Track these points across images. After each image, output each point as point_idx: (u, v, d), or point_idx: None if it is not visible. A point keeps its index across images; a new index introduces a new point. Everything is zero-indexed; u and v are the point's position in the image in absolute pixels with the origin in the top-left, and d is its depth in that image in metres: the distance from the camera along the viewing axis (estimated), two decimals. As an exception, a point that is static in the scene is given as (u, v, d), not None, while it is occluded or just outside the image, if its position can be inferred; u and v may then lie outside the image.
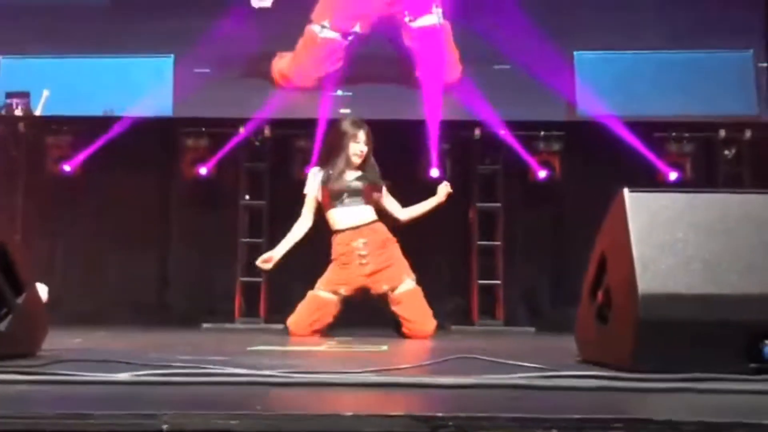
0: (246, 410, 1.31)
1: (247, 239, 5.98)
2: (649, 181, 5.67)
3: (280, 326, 5.55)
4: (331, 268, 4.29)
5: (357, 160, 4.27)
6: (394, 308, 4.17)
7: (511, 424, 1.27)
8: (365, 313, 5.60)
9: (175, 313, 5.92)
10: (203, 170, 5.93)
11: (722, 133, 5.86)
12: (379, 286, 4.20)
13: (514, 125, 5.87)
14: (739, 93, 5.60)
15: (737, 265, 2.18)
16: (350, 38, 5.57)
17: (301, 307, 4.27)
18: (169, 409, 1.30)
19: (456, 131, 5.90)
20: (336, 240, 4.27)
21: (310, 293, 4.29)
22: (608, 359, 2.30)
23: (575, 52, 5.69)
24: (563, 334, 4.22)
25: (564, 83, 5.65)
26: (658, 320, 2.14)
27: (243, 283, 5.91)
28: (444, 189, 4.35)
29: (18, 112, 5.54)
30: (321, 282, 4.27)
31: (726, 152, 5.98)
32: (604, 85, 5.63)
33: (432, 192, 5.83)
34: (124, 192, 6.01)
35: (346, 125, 4.32)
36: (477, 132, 5.89)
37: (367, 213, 4.25)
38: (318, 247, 6.00)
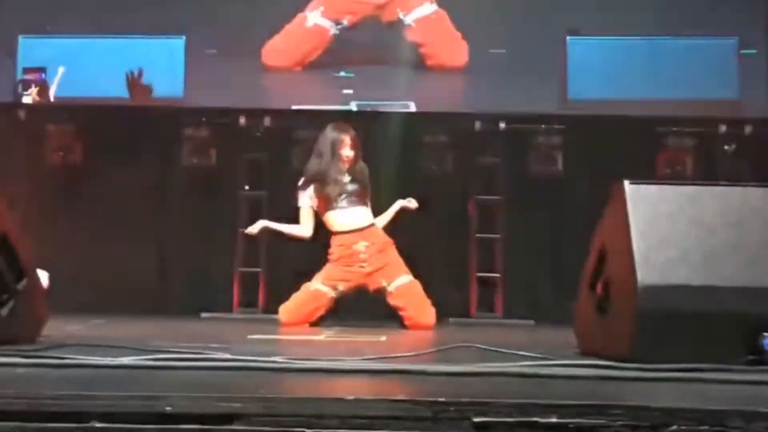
0: (248, 393, 1.32)
1: (246, 229, 5.97)
2: (650, 175, 5.66)
3: (277, 316, 5.58)
4: (330, 266, 4.33)
5: (346, 165, 4.31)
6: (392, 302, 4.20)
7: (510, 410, 1.28)
8: (363, 304, 5.62)
9: (174, 303, 5.91)
10: (201, 160, 5.92)
11: (722, 128, 5.86)
12: (377, 282, 4.25)
13: (514, 118, 5.87)
14: (723, 78, 5.65)
15: (737, 258, 2.20)
16: (337, 29, 5.61)
17: (296, 298, 4.29)
18: (171, 392, 1.31)
19: (455, 123, 5.89)
20: (336, 241, 4.32)
21: (306, 285, 4.30)
22: (607, 351, 2.31)
23: (567, 38, 5.71)
24: (563, 327, 4.23)
25: (556, 68, 5.70)
26: (657, 311, 2.15)
27: (242, 274, 5.91)
28: (405, 203, 4.34)
29: (33, 88, 5.57)
30: (319, 276, 4.30)
31: (726, 147, 5.97)
32: (594, 70, 5.67)
33: (430, 184, 5.86)
34: (123, 181, 5.99)
35: (331, 132, 4.36)
36: (477, 124, 5.88)
37: (366, 216, 4.31)
38: (316, 239, 6.00)
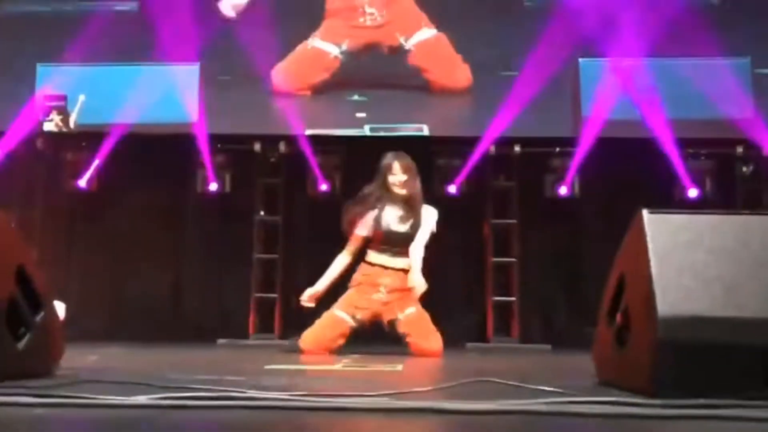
0: (265, 438, 1.31)
1: (262, 255, 5.98)
2: (667, 198, 5.63)
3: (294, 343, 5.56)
4: (350, 292, 4.34)
5: (398, 191, 4.28)
6: (400, 329, 4.24)
7: (531, 454, 1.26)
8: (378, 330, 5.60)
9: (190, 328, 5.93)
10: (214, 186, 5.94)
11: (740, 149, 5.82)
12: (393, 313, 4.26)
13: (528, 142, 5.86)
14: (738, 98, 5.62)
15: (758, 288, 2.16)
16: (340, 53, 5.66)
17: (317, 325, 4.29)
18: (187, 436, 1.30)
19: (470, 147, 5.89)
20: (363, 269, 4.33)
21: (327, 313, 4.30)
22: (627, 382, 2.28)
23: (580, 60, 5.70)
24: (579, 351, 4.20)
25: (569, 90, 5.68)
26: (678, 343, 2.12)
27: (257, 299, 5.92)
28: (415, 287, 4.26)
29: (56, 116, 5.64)
30: (340, 303, 4.29)
31: (744, 169, 5.94)
32: (609, 91, 5.65)
33: (444, 208, 5.84)
34: (140, 207, 6.04)
35: (384, 159, 4.33)
36: (491, 148, 5.88)
37: (402, 262, 4.29)
38: (329, 265, 6.01)
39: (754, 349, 2.10)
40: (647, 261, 2.23)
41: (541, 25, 5.56)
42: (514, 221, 5.98)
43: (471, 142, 5.81)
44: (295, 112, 5.75)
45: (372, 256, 4.33)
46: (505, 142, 5.82)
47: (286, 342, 5.59)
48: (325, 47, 5.64)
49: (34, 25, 5.87)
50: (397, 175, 4.26)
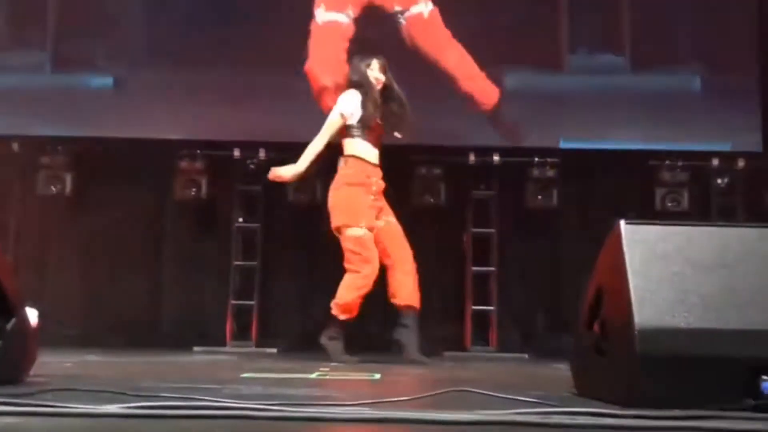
0: (239, 448, 1.28)
1: (240, 262, 5.94)
2: (645, 209, 5.67)
3: (272, 350, 5.52)
4: (349, 202, 4.23)
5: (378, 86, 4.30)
6: (381, 240, 4.21)
7: (509, 466, 1.25)
8: (357, 337, 5.57)
9: (167, 336, 5.87)
10: (192, 192, 5.90)
11: (715, 162, 5.88)
12: (383, 219, 4.26)
13: (508, 151, 5.88)
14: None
15: (735, 299, 2.17)
16: (348, 18, 5.60)
17: (369, 253, 4.20)
18: (160, 446, 1.27)
19: (450, 156, 5.90)
20: (354, 165, 4.26)
21: (362, 232, 4.19)
22: (605, 393, 2.28)
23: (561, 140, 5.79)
24: (557, 361, 4.21)
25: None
26: (655, 355, 2.12)
27: (235, 307, 5.87)
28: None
29: None
30: (354, 220, 4.20)
31: (719, 181, 5.99)
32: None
33: (424, 217, 5.84)
34: (117, 213, 5.97)
35: (356, 59, 4.40)
36: (471, 157, 5.89)
37: (377, 155, 4.31)
38: (308, 272, 5.98)
39: (731, 361, 2.10)
40: (624, 272, 2.23)
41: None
42: (494, 231, 5.98)
43: (451, 151, 5.82)
44: (275, 117, 5.71)
45: (359, 150, 4.27)
46: (485, 152, 5.83)
47: (263, 350, 5.55)
48: (334, 17, 5.58)
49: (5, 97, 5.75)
50: (374, 71, 4.30)
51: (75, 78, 5.81)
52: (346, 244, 4.17)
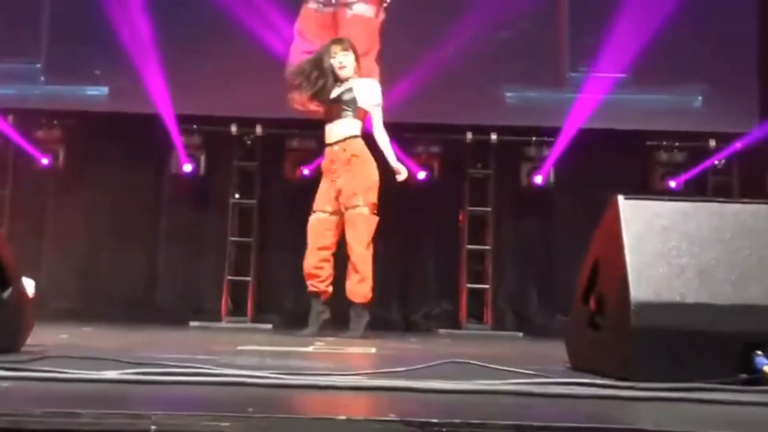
0: (236, 412, 1.29)
1: (236, 238, 5.95)
2: (641, 189, 5.68)
3: (267, 326, 5.54)
4: (320, 186, 4.30)
5: (343, 74, 4.24)
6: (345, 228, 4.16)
7: (504, 431, 1.26)
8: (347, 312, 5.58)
9: (163, 311, 5.88)
10: (189, 167, 5.89)
11: (712, 142, 5.88)
12: (343, 205, 4.19)
13: (505, 130, 5.87)
14: None
15: (731, 275, 2.18)
16: (331, 7, 5.47)
17: (308, 238, 4.26)
18: (157, 409, 1.28)
19: (447, 134, 5.89)
20: (325, 154, 4.30)
21: (310, 218, 4.26)
22: (600, 367, 2.29)
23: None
24: (551, 339, 4.23)
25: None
26: (651, 329, 2.13)
27: (231, 282, 5.88)
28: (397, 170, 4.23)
29: None
30: (314, 205, 4.27)
31: (716, 162, 6.00)
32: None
33: (420, 195, 5.84)
34: (114, 188, 5.96)
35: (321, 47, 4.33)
36: (469, 136, 5.88)
37: (352, 127, 4.21)
38: (304, 249, 5.98)
39: (726, 335, 2.11)
40: (621, 247, 2.24)
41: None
42: (490, 209, 5.99)
43: (449, 129, 5.81)
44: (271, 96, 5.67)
45: (327, 134, 4.27)
46: (482, 130, 5.82)
47: (258, 325, 5.58)
48: (316, 7, 5.39)
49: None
50: (337, 57, 4.23)
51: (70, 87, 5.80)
52: None
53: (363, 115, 4.27)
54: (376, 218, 4.17)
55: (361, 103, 4.22)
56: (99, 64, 5.72)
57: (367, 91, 4.24)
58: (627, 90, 5.78)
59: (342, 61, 4.23)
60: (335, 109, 4.24)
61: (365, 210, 4.14)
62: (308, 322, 4.23)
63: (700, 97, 5.80)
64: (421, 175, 5.87)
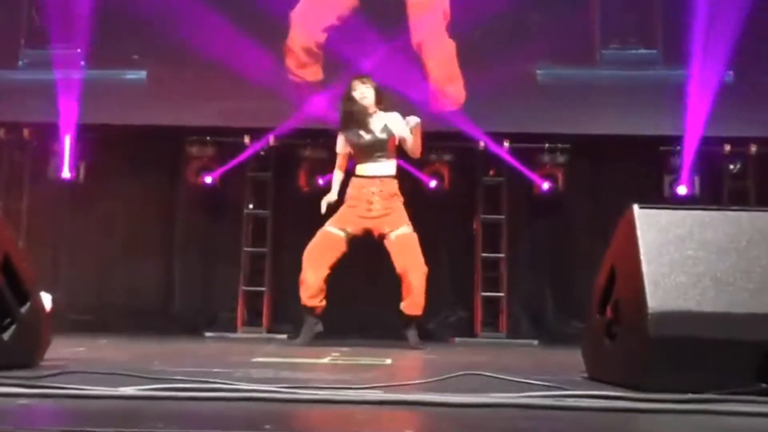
0: (253, 429, 1.29)
1: (251, 248, 5.96)
2: (655, 195, 5.64)
3: (282, 336, 5.54)
4: (341, 209, 4.41)
5: (363, 102, 4.36)
6: (389, 249, 4.30)
7: (522, 447, 1.25)
8: (365, 322, 5.58)
9: (178, 322, 5.89)
10: (208, 179, 5.91)
11: (727, 147, 5.84)
12: (382, 227, 4.33)
13: (518, 137, 5.85)
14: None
15: (748, 283, 2.17)
16: None
17: (313, 243, 4.37)
18: (174, 427, 1.28)
19: (460, 142, 5.88)
20: (352, 183, 4.42)
21: (320, 230, 4.37)
22: (616, 376, 2.28)
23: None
24: (567, 347, 4.21)
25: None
26: (668, 338, 2.12)
27: (246, 293, 5.89)
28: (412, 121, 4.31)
29: None
30: (331, 221, 4.38)
31: (731, 167, 5.96)
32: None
33: (434, 203, 5.83)
34: (128, 200, 5.99)
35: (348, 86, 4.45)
36: (481, 144, 5.87)
37: (389, 167, 4.39)
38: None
39: (743, 345, 2.10)
40: (637, 256, 2.23)
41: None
42: (503, 217, 5.98)
43: (461, 137, 5.80)
44: (287, 100, 5.70)
45: (360, 169, 4.41)
46: (494, 138, 5.81)
47: (274, 336, 5.58)
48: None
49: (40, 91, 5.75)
50: (358, 89, 4.37)
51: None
52: None
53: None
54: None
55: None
56: (138, 50, 5.82)
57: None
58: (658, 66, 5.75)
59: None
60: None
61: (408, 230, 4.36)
62: (301, 332, 4.37)
63: (731, 72, 5.75)
64: (432, 183, 5.87)
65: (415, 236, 4.36)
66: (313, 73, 5.79)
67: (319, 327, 4.34)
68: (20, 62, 5.84)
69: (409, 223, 4.38)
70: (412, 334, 4.33)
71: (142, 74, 5.83)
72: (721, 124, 5.60)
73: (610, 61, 5.80)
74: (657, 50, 5.78)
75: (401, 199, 4.42)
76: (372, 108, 4.38)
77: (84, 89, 5.66)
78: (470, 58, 5.66)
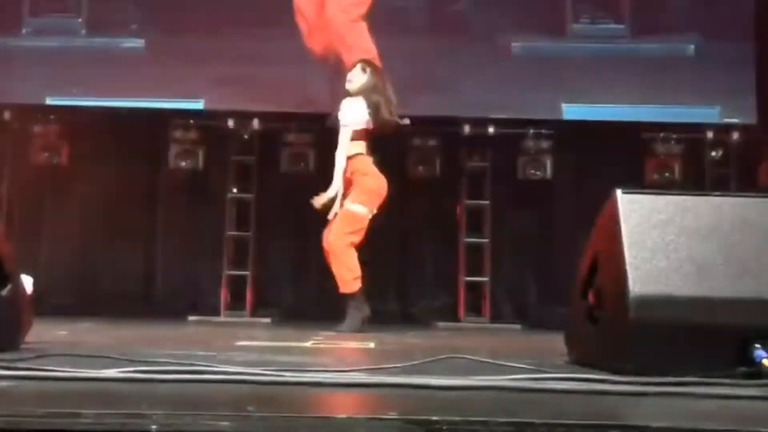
0: (237, 411, 1.29)
1: (234, 232, 5.94)
2: (638, 182, 5.67)
3: (266, 320, 5.54)
4: (364, 183, 4.40)
5: (347, 86, 4.42)
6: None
7: (505, 428, 1.26)
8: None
9: (161, 306, 5.87)
10: (189, 162, 5.88)
11: (709, 134, 5.88)
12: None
13: (503, 123, 5.86)
14: None
15: (729, 268, 2.18)
16: None
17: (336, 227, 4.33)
18: (157, 408, 1.28)
19: (444, 127, 5.88)
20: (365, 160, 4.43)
21: (343, 211, 4.33)
22: (598, 360, 2.29)
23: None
24: (549, 331, 4.23)
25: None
26: (649, 322, 2.13)
27: (229, 277, 5.88)
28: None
29: None
30: (354, 197, 4.34)
31: (713, 154, 6.00)
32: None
33: (418, 188, 5.84)
34: (111, 183, 5.94)
35: None
36: (466, 128, 5.87)
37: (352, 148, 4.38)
38: (302, 243, 5.98)
39: (724, 329, 2.12)
40: (620, 241, 2.24)
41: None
42: (487, 202, 5.99)
43: (446, 122, 5.80)
44: (273, 86, 5.68)
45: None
46: (479, 123, 5.81)
47: (257, 320, 5.58)
48: None
49: (42, 59, 5.77)
50: (351, 72, 4.47)
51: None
52: None
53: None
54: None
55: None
56: (136, 19, 5.84)
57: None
58: (625, 41, 5.87)
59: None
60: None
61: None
62: (347, 317, 4.24)
63: (692, 46, 5.83)
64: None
65: (347, 212, 4.31)
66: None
67: (367, 310, 4.26)
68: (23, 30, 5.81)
69: (359, 197, 4.33)
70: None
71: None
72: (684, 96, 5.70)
73: (580, 35, 5.90)
74: (624, 25, 5.88)
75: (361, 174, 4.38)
76: (353, 92, 4.39)
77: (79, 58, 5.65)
78: (449, 30, 5.72)
